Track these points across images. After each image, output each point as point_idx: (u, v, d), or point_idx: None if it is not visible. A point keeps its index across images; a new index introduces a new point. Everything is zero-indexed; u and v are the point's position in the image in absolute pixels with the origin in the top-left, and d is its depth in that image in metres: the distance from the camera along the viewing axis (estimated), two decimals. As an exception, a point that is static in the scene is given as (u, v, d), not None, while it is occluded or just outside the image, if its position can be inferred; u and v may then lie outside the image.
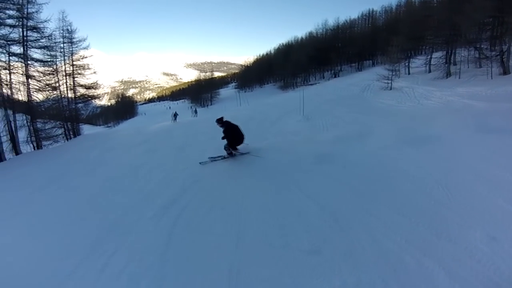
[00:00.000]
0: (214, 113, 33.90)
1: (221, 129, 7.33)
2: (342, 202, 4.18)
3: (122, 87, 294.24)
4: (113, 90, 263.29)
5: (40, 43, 18.49)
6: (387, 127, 8.05)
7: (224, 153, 7.55)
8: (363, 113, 11.11)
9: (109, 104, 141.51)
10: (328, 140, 8.01)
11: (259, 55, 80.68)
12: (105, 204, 6.10)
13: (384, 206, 3.81)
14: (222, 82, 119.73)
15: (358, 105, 13.13)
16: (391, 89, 17.71)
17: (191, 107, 55.47)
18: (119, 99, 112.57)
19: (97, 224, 5.16)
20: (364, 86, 20.02)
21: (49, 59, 19.56)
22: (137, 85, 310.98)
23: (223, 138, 7.38)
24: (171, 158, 9.00)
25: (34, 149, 18.51)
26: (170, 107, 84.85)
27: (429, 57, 25.51)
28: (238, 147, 7.43)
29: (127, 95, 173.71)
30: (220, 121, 7.38)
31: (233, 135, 7.21)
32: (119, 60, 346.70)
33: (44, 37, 18.53)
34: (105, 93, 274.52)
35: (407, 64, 27.75)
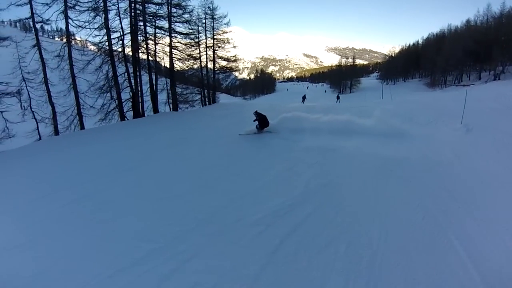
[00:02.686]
0: (355, 101, 31.50)
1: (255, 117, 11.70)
2: None
3: (263, 64, 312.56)
4: (253, 65, 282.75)
5: (183, 18, 21.85)
6: None
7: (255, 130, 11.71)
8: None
9: (248, 78, 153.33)
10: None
11: (405, 45, 72.57)
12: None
13: None
14: (363, 70, 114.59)
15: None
16: None
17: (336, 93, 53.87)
18: (258, 74, 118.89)
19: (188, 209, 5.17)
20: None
21: (190, 32, 23.11)
22: (277, 63, 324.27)
23: (254, 120, 11.70)
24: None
25: (170, 110, 22.06)
26: (308, 88, 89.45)
27: None
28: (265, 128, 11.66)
29: (266, 71, 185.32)
30: (255, 112, 11.74)
31: (262, 121, 11.54)
32: (262, 39, 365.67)
33: (186, 12, 21.67)
34: (245, 67, 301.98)
35: None
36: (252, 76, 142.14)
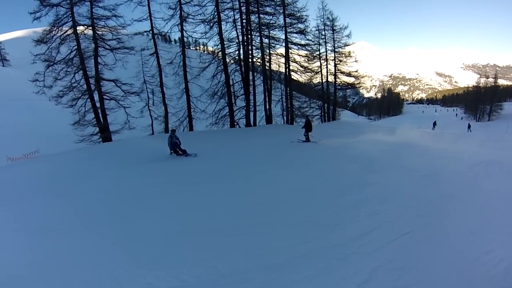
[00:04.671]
0: (493, 132, 24.81)
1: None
2: None
3: (391, 82, 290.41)
4: (381, 84, 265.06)
5: (298, 28, 21.22)
6: None
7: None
8: None
9: (375, 96, 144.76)
10: None
11: None
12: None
13: None
14: (507, 93, 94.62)
15: None
16: None
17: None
18: (385, 94, 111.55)
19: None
20: None
21: (307, 43, 22.13)
22: (406, 83, 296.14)
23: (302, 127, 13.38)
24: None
25: (284, 122, 21.75)
26: (436, 111, 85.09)
27: None
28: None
29: (394, 91, 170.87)
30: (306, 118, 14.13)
31: (308, 125, 13.08)
32: (390, 54, 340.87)
33: (301, 22, 21.02)
34: (373, 85, 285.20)
35: None
36: (379, 95, 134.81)
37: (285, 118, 21.80)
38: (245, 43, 19.25)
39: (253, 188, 6.63)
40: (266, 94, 20.58)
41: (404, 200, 5.28)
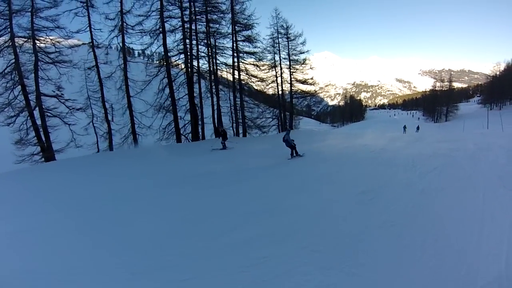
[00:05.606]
0: (448, 131, 26.16)
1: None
2: None
3: (354, 90, 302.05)
4: (345, 91, 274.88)
5: (245, 35, 21.09)
6: None
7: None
8: None
9: (339, 104, 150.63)
10: None
11: (510, 61, 61.85)
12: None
13: None
14: (461, 94, 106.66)
15: None
16: None
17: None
18: (347, 101, 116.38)
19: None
20: None
21: (253, 51, 21.86)
22: (369, 90, 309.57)
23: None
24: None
25: (234, 135, 21.11)
26: (395, 115, 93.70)
27: None
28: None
29: (358, 98, 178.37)
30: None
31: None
32: (353, 63, 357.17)
33: (248, 29, 21.01)
34: (337, 93, 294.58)
35: None
36: (342, 102, 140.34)
37: (234, 130, 21.56)
38: (189, 53, 19.03)
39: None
40: (216, 107, 20.46)
41: (312, 237, 3.97)
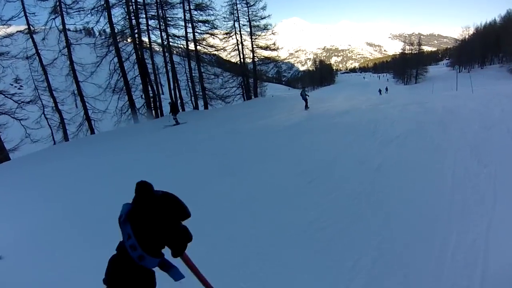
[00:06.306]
0: (417, 93, 25.97)
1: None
2: None
3: (325, 54, 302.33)
4: (315, 56, 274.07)
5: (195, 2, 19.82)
6: None
7: None
8: None
9: (310, 69, 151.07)
10: None
11: (481, 25, 63.41)
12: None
13: None
14: (431, 58, 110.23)
15: None
16: None
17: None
18: (317, 66, 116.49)
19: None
20: None
21: (207, 19, 20.61)
22: (339, 54, 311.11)
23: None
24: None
25: (195, 108, 20.70)
26: (364, 77, 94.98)
27: None
28: None
29: (328, 62, 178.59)
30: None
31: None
32: (322, 28, 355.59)
33: None
34: (308, 59, 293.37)
35: None
36: (312, 68, 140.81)
37: (193, 103, 20.95)
38: (137, 28, 17.82)
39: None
40: (171, 81, 19.68)
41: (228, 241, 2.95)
